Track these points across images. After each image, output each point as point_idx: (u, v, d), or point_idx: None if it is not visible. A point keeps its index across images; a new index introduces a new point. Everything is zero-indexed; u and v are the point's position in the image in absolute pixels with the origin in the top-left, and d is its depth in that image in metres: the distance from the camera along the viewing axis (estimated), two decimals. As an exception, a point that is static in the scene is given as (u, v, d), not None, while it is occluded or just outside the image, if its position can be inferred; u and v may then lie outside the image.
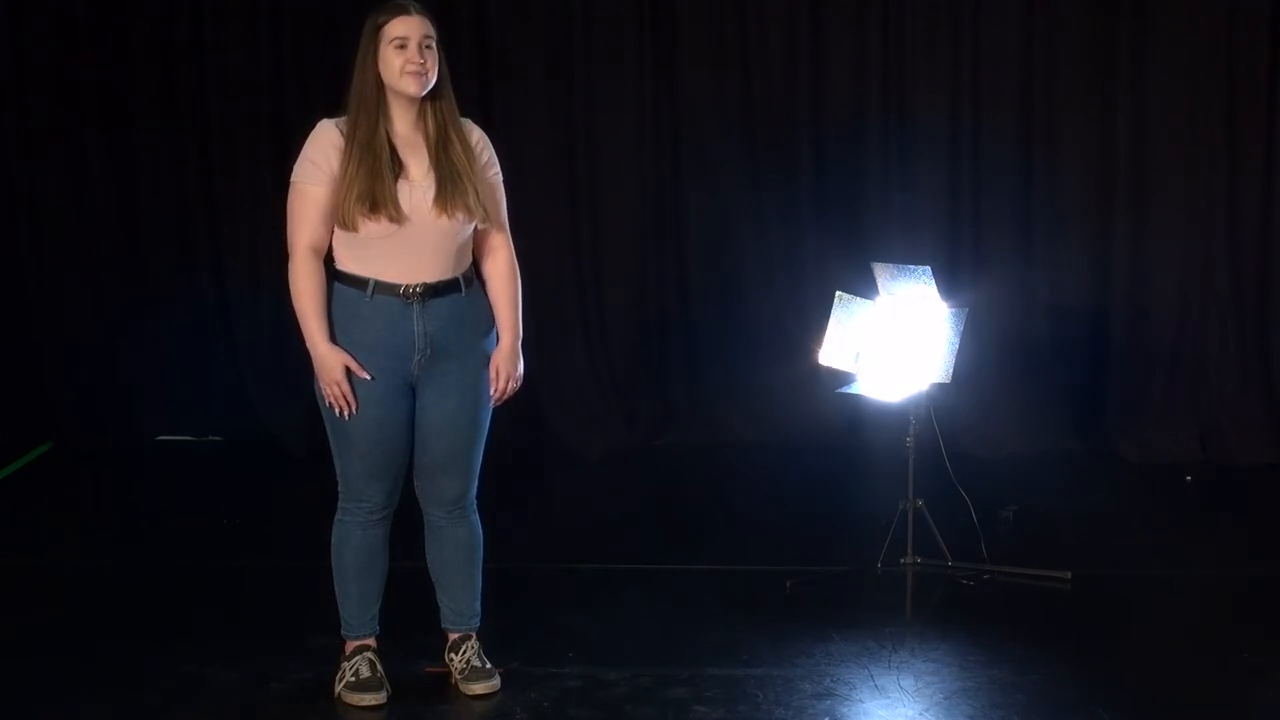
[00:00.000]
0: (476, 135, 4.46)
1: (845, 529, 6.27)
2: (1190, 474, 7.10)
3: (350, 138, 4.27)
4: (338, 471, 4.50)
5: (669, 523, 6.64)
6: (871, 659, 4.93)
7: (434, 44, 4.30)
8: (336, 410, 4.33)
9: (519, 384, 4.53)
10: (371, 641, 4.61)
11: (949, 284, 5.80)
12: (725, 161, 7.70)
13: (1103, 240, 7.53)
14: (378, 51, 4.27)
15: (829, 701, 4.61)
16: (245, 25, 7.67)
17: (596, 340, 7.85)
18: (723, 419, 7.82)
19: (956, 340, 5.49)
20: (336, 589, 4.59)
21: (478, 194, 4.33)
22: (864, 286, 5.73)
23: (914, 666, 4.87)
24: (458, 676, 4.63)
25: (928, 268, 5.55)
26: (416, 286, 4.31)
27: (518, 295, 4.55)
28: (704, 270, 7.80)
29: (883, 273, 5.67)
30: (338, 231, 4.33)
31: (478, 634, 4.67)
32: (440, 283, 4.35)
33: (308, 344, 4.34)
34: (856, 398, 5.81)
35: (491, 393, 4.49)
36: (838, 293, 5.71)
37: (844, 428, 7.41)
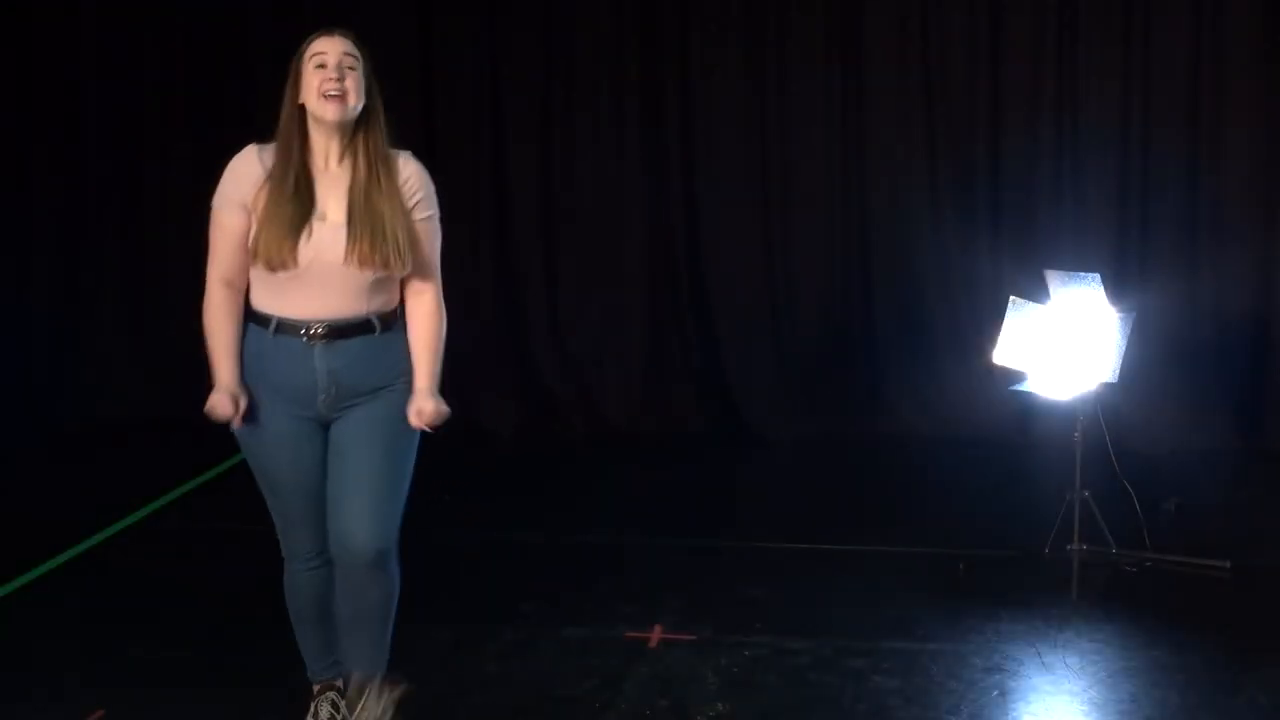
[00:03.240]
0: (409, 172, 4.00)
1: (1015, 517, 6.36)
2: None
3: (268, 168, 3.90)
4: (272, 518, 4.18)
5: (850, 507, 6.83)
6: (1039, 638, 5.10)
7: (358, 67, 3.91)
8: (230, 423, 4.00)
9: (445, 416, 4.04)
10: (337, 683, 4.31)
11: (1117, 289, 5.87)
12: (907, 172, 7.97)
13: (1266, 245, 7.61)
14: (300, 75, 3.91)
15: (998, 676, 4.80)
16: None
17: (785, 336, 8.17)
18: (900, 412, 8.02)
19: (1123, 342, 5.54)
20: (296, 634, 4.31)
21: (399, 242, 3.89)
22: (1036, 291, 5.83)
23: (1078, 645, 5.04)
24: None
25: (1097, 274, 5.63)
26: (318, 326, 3.91)
27: (438, 340, 4.09)
28: (886, 273, 8.04)
29: (1054, 279, 5.74)
30: (251, 267, 3.95)
31: (382, 677, 4.21)
32: (346, 322, 3.94)
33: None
34: (1028, 395, 5.89)
35: (419, 428, 4.06)
36: (1012, 297, 5.81)
37: (1015, 423, 7.61)
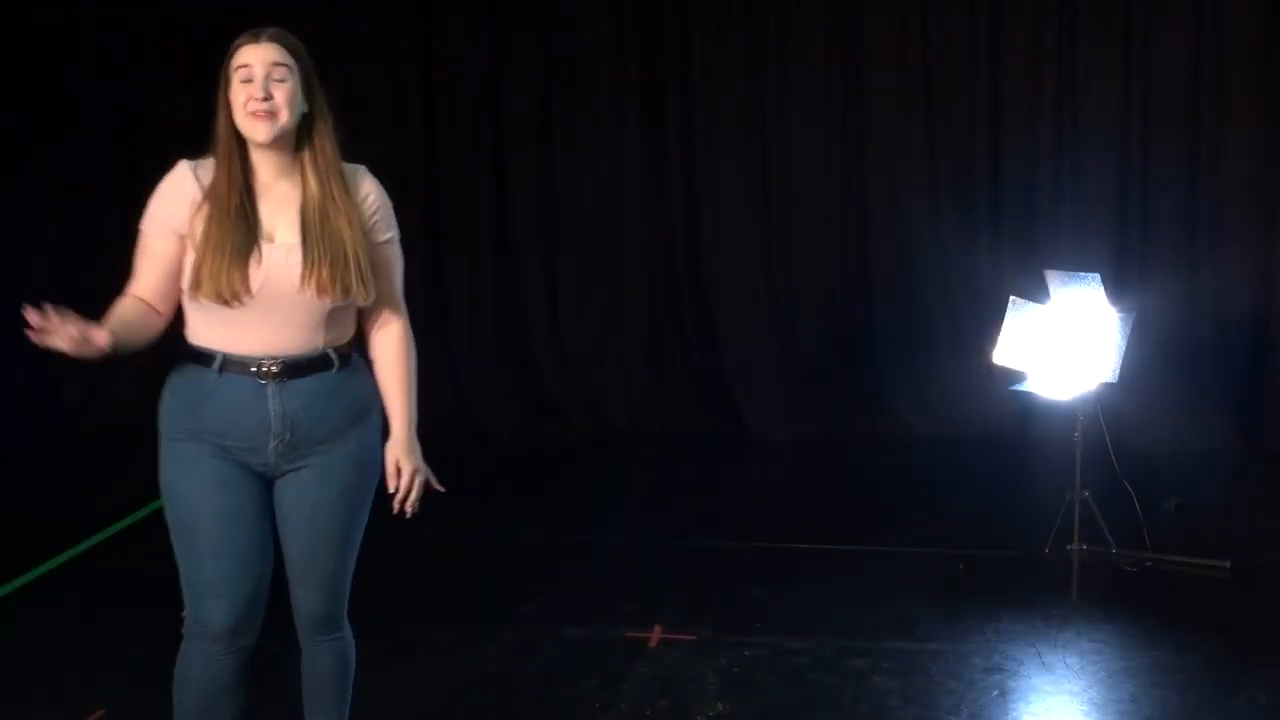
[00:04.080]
0: (367, 189, 3.55)
1: (1015, 517, 6.37)
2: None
3: (205, 187, 3.47)
4: (183, 586, 3.66)
5: (850, 507, 6.83)
6: (1039, 638, 5.10)
7: (290, 77, 3.42)
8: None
9: (426, 475, 3.58)
10: None
11: (1117, 289, 5.88)
12: (907, 172, 7.99)
13: (1266, 245, 7.63)
14: (228, 87, 3.44)
15: (998, 676, 4.79)
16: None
17: (785, 336, 8.19)
18: (900, 412, 8.05)
19: (1123, 342, 5.54)
20: None
21: (361, 266, 3.43)
22: (1036, 291, 5.83)
23: (1079, 646, 5.04)
24: None
25: (1097, 274, 5.62)
26: (272, 363, 3.45)
27: (412, 378, 3.62)
28: (886, 273, 8.07)
29: (1054, 279, 5.74)
30: (184, 297, 3.51)
31: None
32: (303, 357, 3.47)
33: None
34: (1028, 395, 5.88)
35: (392, 492, 3.56)
36: (1012, 297, 5.81)
37: (1015, 423, 7.60)
